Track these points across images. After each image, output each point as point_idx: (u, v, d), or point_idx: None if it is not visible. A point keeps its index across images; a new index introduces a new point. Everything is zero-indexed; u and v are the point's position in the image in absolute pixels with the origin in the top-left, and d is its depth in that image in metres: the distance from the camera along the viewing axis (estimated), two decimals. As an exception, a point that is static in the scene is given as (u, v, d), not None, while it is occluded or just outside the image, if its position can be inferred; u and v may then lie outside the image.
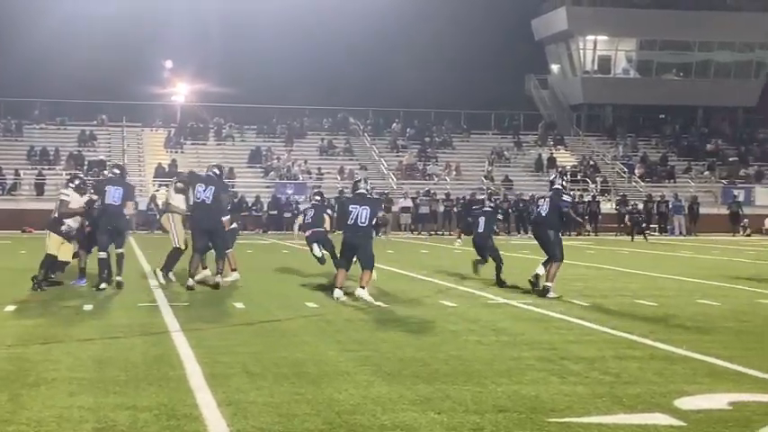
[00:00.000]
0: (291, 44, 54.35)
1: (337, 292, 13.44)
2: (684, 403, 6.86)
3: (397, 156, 50.98)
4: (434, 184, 46.55)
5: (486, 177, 47.51)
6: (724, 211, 43.57)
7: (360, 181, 14.61)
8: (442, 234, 40.96)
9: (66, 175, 42.19)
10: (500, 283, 15.92)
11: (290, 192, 42.91)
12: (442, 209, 42.35)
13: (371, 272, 13.62)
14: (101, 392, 7.15)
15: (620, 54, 57.54)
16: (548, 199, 14.77)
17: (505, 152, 52.11)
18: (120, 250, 15.22)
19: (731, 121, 58.34)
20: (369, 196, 14.26)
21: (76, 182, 15.79)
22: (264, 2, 54.50)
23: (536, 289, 14.49)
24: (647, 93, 55.89)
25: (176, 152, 48.97)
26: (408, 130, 54.09)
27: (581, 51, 56.51)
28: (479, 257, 17.03)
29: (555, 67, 60.25)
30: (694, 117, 58.80)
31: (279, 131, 52.42)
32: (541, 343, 9.61)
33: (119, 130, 50.52)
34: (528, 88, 61.49)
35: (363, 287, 13.31)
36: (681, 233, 42.24)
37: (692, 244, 34.24)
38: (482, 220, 17.01)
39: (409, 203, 42.19)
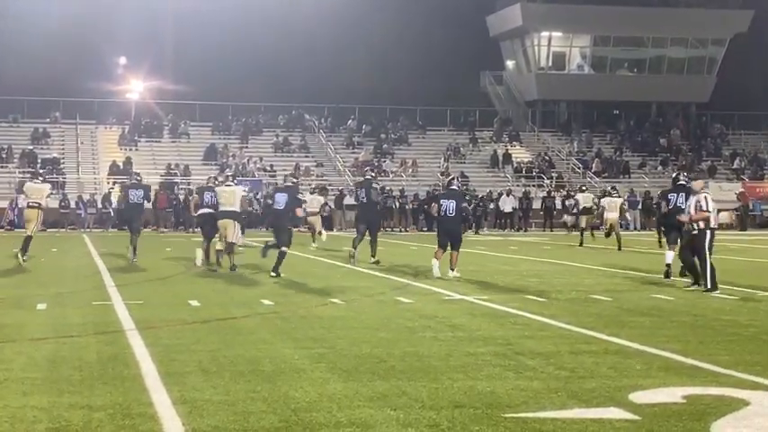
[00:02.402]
0: (246, 41, 54.08)
1: (435, 266, 16.71)
2: (639, 397, 6.91)
3: (353, 152, 50.97)
4: (390, 180, 46.58)
5: (441, 174, 47.59)
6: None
7: (453, 179, 18.13)
8: (399, 231, 41.03)
9: (21, 173, 41.82)
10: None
11: (245, 189, 42.72)
12: (397, 205, 42.39)
13: (458, 254, 16.85)
14: (54, 392, 7.06)
15: (575, 50, 57.93)
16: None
17: (461, 148, 52.29)
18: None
19: (684, 117, 58.97)
20: (458, 191, 17.41)
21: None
22: (219, -1, 54.27)
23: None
24: (602, 88, 56.33)
25: (131, 149, 48.57)
26: (364, 126, 54.08)
27: (536, 47, 56.81)
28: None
29: (510, 64, 60.53)
30: (648, 113, 59.38)
31: (234, 128, 52.19)
32: (497, 339, 9.65)
33: (72, 128, 49.99)
34: (483, 84, 61.72)
35: (453, 269, 16.57)
36: (635, 228, 42.63)
37: (647, 239, 34.55)
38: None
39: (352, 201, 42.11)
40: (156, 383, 7.36)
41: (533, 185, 47.37)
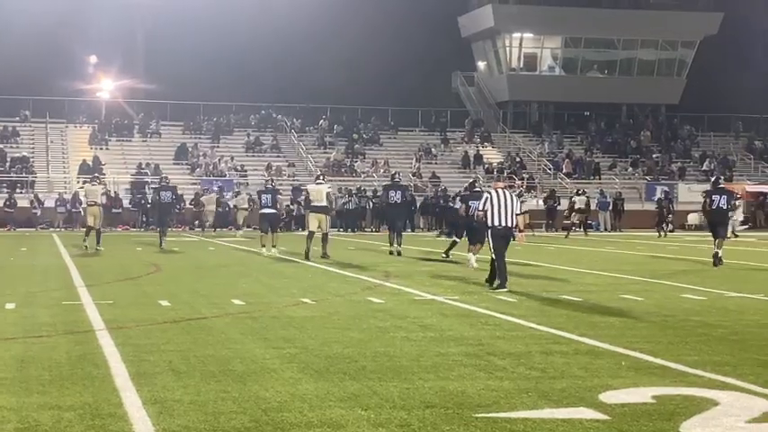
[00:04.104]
0: (217, 40, 53.84)
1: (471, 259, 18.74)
2: (609, 397, 6.94)
3: (325, 152, 50.92)
4: (362, 180, 46.58)
5: (413, 174, 47.65)
6: (649, 207, 44.13)
7: (476, 181, 20.85)
8: (371, 231, 41.03)
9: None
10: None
11: (216, 189, 42.60)
12: (371, 206, 42.40)
13: (481, 245, 18.06)
14: (23, 392, 7.01)
15: (546, 51, 58.19)
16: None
17: (432, 149, 52.38)
18: None
19: (654, 119, 59.37)
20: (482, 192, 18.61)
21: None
22: (191, -2, 54.04)
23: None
24: (572, 90, 56.60)
25: (101, 148, 48.27)
26: (335, 126, 54.05)
27: (507, 49, 57.00)
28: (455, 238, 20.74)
29: (481, 65, 60.69)
30: (618, 114, 59.73)
31: (205, 128, 52.00)
32: (468, 339, 9.66)
33: (42, 127, 49.62)
34: (455, 85, 61.87)
35: (473, 254, 18.83)
36: (605, 229, 42.87)
37: (617, 240, 34.77)
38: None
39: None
40: (126, 383, 7.32)
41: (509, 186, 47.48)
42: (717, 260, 20.07)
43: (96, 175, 30.62)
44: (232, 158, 48.07)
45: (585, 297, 13.69)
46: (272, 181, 26.93)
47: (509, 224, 14.83)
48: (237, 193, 40.14)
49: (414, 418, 6.34)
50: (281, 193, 27.99)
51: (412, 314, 11.63)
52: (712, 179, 22.31)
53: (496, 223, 14.77)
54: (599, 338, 9.66)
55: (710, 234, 21.27)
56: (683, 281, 16.44)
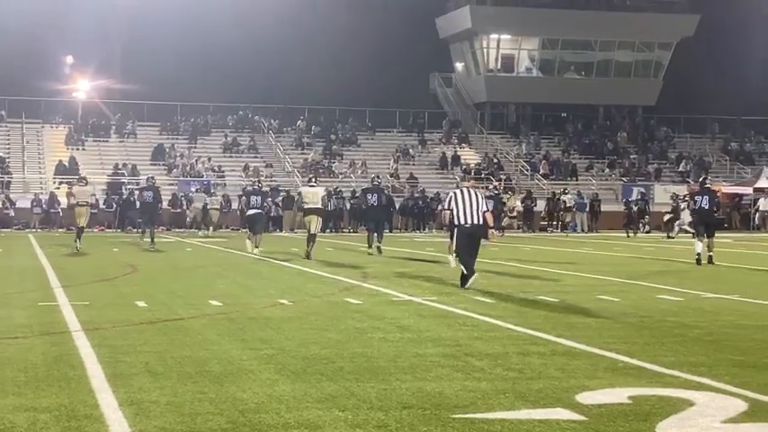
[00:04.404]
0: (195, 41, 53.70)
1: (451, 260, 18.33)
2: (585, 398, 6.96)
3: (303, 153, 50.87)
4: (339, 181, 46.56)
5: (391, 175, 47.68)
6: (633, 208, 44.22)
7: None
8: (349, 231, 41.02)
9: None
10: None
11: (193, 189, 42.49)
12: (348, 206, 42.38)
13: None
14: (-3, 394, 6.96)
15: (523, 53, 58.37)
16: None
17: (410, 150, 52.41)
18: None
19: (631, 120, 59.65)
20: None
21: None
22: (168, -3, 53.82)
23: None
24: (550, 91, 56.77)
25: (77, 149, 48.01)
26: (313, 127, 54.01)
27: (485, 50, 57.13)
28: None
29: (459, 66, 60.80)
30: (595, 115, 59.97)
31: (182, 128, 51.83)
32: (446, 339, 9.67)
33: (18, 127, 49.32)
34: (432, 86, 61.96)
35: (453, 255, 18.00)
36: (582, 230, 43.03)
37: (594, 241, 34.92)
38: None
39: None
40: (102, 385, 7.28)
41: (482, 187, 47.52)
42: (707, 259, 20.95)
43: (84, 176, 31.00)
44: (209, 159, 47.94)
45: (563, 298, 13.73)
46: (260, 182, 27.25)
47: (476, 222, 15.01)
48: (213, 194, 40.25)
49: (391, 418, 6.34)
50: (269, 195, 28.61)
51: (389, 315, 11.63)
52: (699, 180, 23.52)
53: (462, 221, 14.99)
54: (576, 339, 9.69)
55: (695, 235, 22.14)
56: (659, 282, 16.52)
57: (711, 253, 21.12)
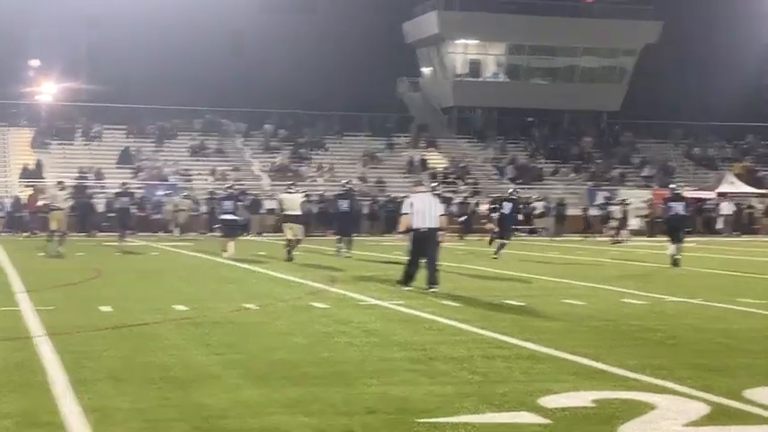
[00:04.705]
0: (161, 44, 53.39)
1: None
2: (549, 401, 7.00)
3: (270, 157, 50.73)
4: (307, 185, 46.43)
5: (359, 179, 47.63)
6: (592, 212, 44.47)
7: (436, 186, 23.81)
8: (317, 236, 40.91)
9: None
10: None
11: (160, 193, 42.20)
12: (316, 210, 42.27)
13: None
14: (-42, 401, 6.89)
15: (490, 58, 58.58)
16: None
17: (378, 154, 52.43)
18: None
19: (596, 125, 60.02)
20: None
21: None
22: (134, 0, 53.47)
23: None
24: (516, 96, 56.99)
25: (43, 152, 47.56)
26: (281, 131, 53.88)
27: (452, 55, 57.27)
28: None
29: (426, 70, 60.90)
30: (561, 121, 60.29)
31: (148, 132, 51.52)
32: (412, 343, 9.69)
33: (-18, 130, 48.80)
34: (400, 91, 62.00)
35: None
36: (549, 234, 43.18)
37: (559, 245, 35.07)
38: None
39: (275, 205, 41.97)
40: (64, 391, 7.23)
41: (449, 191, 47.65)
42: (673, 262, 21.64)
43: (60, 180, 30.91)
44: (176, 162, 47.68)
45: (529, 302, 13.79)
46: (234, 187, 27.31)
47: (431, 225, 15.43)
48: (187, 197, 40.56)
49: (356, 423, 6.34)
50: (242, 200, 28.93)
51: (356, 319, 11.64)
52: (670, 187, 24.54)
53: (418, 226, 15.41)
54: (541, 343, 9.74)
55: (669, 239, 22.62)
56: (623, 285, 16.64)
57: (679, 256, 21.93)
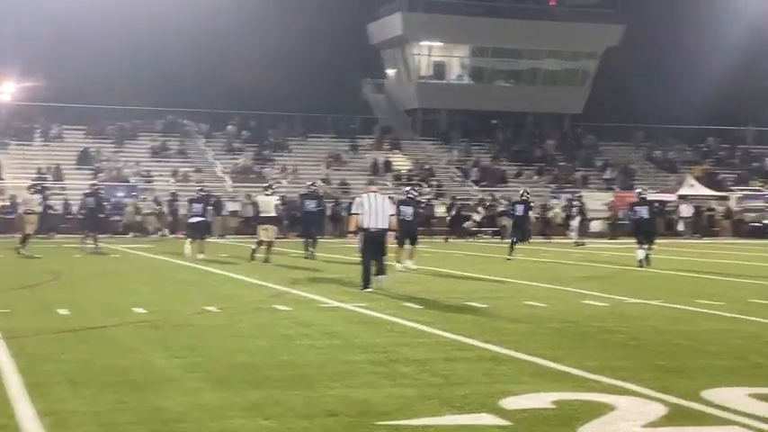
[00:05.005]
0: (123, 43, 52.93)
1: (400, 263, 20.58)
2: (510, 403, 7.00)
3: (233, 158, 50.51)
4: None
5: (323, 181, 47.55)
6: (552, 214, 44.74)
7: (413, 188, 24.07)
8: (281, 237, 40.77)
9: None
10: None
11: (120, 194, 41.90)
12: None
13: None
14: None
15: (454, 60, 58.71)
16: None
17: (342, 155, 52.38)
18: None
19: (559, 128, 60.35)
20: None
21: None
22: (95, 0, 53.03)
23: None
24: (480, 98, 57.17)
25: (1, 152, 47.02)
26: (244, 132, 53.68)
27: (416, 57, 57.34)
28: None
29: (391, 72, 60.92)
30: (524, 123, 60.54)
31: (109, 132, 51.11)
32: (374, 346, 9.66)
33: (-61, 130, 48.16)
34: (364, 92, 61.97)
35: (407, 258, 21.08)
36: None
37: (523, 247, 35.16)
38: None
39: (238, 207, 41.91)
40: (19, 394, 7.13)
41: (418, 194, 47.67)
42: (644, 262, 22.31)
43: (35, 183, 32.10)
44: (137, 163, 47.33)
45: (491, 304, 13.81)
46: (203, 190, 27.45)
47: (381, 226, 15.62)
48: (144, 199, 40.36)
49: (316, 426, 6.30)
50: (211, 203, 29.68)
51: (318, 322, 11.59)
52: (637, 191, 25.24)
53: (368, 226, 15.58)
54: (502, 345, 9.74)
55: (636, 243, 23.06)
56: (585, 287, 16.71)
57: (648, 255, 22.54)
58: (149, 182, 45.49)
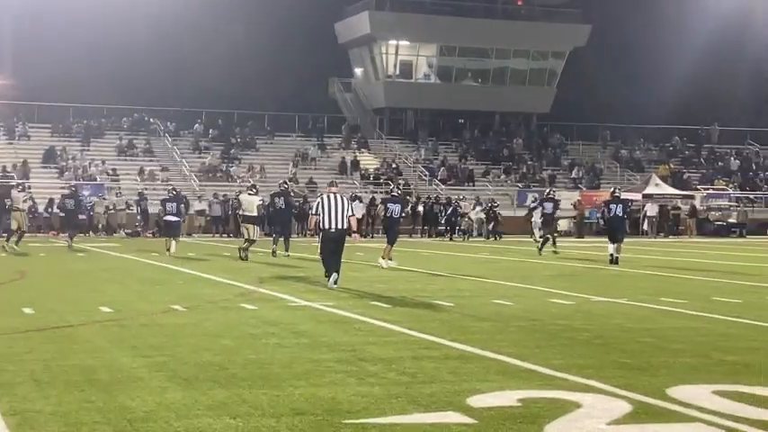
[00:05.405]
0: (89, 41, 52.52)
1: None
2: (476, 401, 7.03)
3: (200, 157, 50.30)
4: (238, 185, 46.12)
5: (290, 180, 47.46)
6: (521, 213, 44.86)
7: (395, 187, 24.40)
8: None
9: None
10: None
11: (86, 193, 41.61)
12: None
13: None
14: None
15: (422, 59, 58.78)
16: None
17: (309, 154, 52.30)
18: None
19: (526, 127, 60.60)
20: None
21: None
22: (61, -4, 52.64)
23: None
24: (448, 98, 57.30)
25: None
26: (211, 131, 53.46)
27: (383, 56, 57.36)
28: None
29: (358, 71, 60.92)
30: (492, 122, 60.73)
31: (75, 130, 50.73)
32: (341, 344, 9.66)
33: None
34: (332, 91, 61.93)
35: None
36: (480, 234, 43.47)
37: (489, 245, 35.33)
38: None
39: (205, 206, 41.76)
40: (-17, 395, 7.06)
41: (381, 192, 47.76)
42: (613, 260, 23.07)
43: (20, 182, 32.93)
44: (103, 162, 47.01)
45: (458, 302, 13.85)
46: (176, 189, 28.31)
47: (340, 226, 15.84)
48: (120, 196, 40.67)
49: (283, 425, 6.30)
50: (184, 202, 30.49)
51: (285, 320, 11.57)
52: (611, 190, 26.01)
53: (327, 226, 15.82)
54: (469, 343, 9.78)
55: (607, 239, 24.06)
56: (552, 286, 16.81)
57: (618, 255, 23.31)
58: (116, 180, 45.20)
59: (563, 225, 44.61)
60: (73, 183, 33.77)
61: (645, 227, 46.17)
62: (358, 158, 52.47)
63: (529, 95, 58.59)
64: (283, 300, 14.09)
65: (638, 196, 46.76)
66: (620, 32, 57.87)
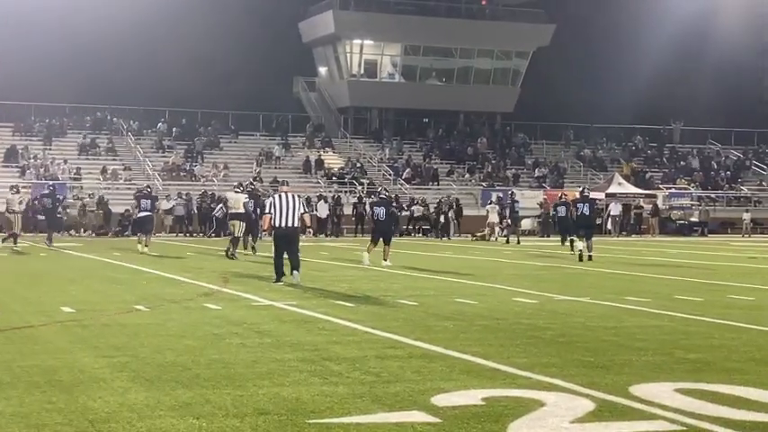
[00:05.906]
0: (51, 39, 52.04)
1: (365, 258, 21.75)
2: (441, 400, 7.04)
3: (163, 156, 50.01)
4: (202, 185, 45.94)
5: (254, 179, 47.30)
6: (484, 212, 45.03)
7: (382, 189, 25.09)
8: (211, 236, 40.49)
9: None
10: None
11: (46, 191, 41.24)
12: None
13: (374, 245, 22.10)
14: None
15: (386, 59, 58.83)
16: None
17: (274, 153, 52.17)
18: None
19: (490, 127, 60.82)
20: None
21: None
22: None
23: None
24: (412, 97, 57.39)
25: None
26: (175, 129, 53.17)
27: (348, 55, 57.34)
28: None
29: (323, 70, 60.86)
30: (456, 121, 60.90)
31: (36, 129, 50.26)
32: (305, 344, 9.64)
33: None
34: (296, 90, 61.82)
35: (368, 253, 22.02)
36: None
37: (454, 244, 35.42)
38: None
39: (173, 205, 41.55)
40: (-58, 397, 6.97)
41: (345, 191, 47.76)
42: (583, 257, 23.78)
43: (16, 185, 33.54)
44: (65, 161, 46.62)
45: (422, 301, 13.87)
46: (150, 187, 29.24)
47: (291, 224, 16.32)
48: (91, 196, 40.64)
49: (246, 425, 6.27)
50: (158, 200, 31.76)
51: (249, 320, 11.53)
52: (579, 189, 26.96)
53: (278, 224, 16.31)
54: (433, 342, 9.79)
55: (576, 237, 24.91)
56: (515, 284, 16.87)
57: (591, 253, 24.05)
58: (78, 179, 44.85)
59: (527, 224, 44.82)
60: (51, 183, 34.89)
61: (608, 226, 46.48)
62: (322, 157, 52.43)
63: (493, 95, 58.81)
64: (247, 299, 14.05)
65: (602, 195, 47.09)
66: (584, 32, 58.24)
